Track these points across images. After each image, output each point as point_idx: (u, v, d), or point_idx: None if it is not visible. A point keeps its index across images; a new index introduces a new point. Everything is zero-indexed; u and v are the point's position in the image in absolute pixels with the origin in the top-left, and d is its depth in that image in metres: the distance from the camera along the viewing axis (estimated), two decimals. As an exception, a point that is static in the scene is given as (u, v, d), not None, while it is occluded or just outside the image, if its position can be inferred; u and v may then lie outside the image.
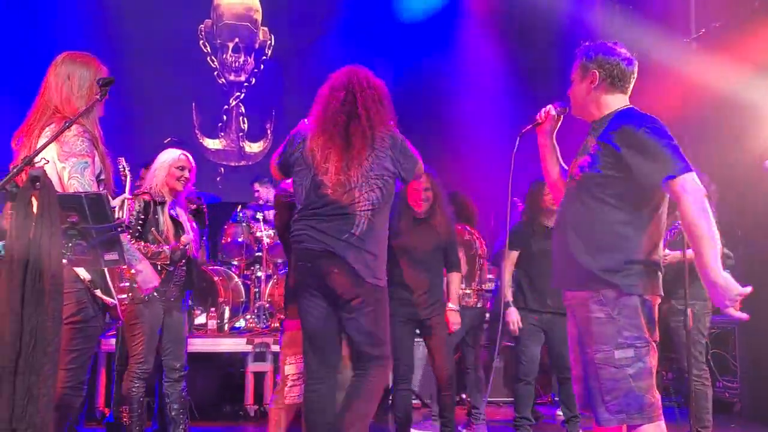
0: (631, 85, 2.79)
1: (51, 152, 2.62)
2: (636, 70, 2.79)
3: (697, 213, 2.41)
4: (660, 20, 8.00)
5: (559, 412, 5.08)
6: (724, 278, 2.37)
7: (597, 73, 2.73)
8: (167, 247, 4.00)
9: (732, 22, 7.12)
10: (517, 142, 2.97)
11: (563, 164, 2.99)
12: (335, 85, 3.20)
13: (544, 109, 2.96)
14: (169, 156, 4.18)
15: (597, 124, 2.76)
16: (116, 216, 2.47)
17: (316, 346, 3.23)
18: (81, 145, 2.65)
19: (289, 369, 3.67)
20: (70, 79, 2.77)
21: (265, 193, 7.78)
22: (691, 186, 2.44)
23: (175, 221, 4.15)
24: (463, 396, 5.90)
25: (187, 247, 4.09)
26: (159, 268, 3.91)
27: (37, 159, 2.32)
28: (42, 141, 2.64)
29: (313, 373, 3.23)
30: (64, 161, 2.62)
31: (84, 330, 2.69)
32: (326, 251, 3.10)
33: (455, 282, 4.49)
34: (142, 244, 3.91)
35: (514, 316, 4.66)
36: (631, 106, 2.76)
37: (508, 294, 4.70)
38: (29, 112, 2.79)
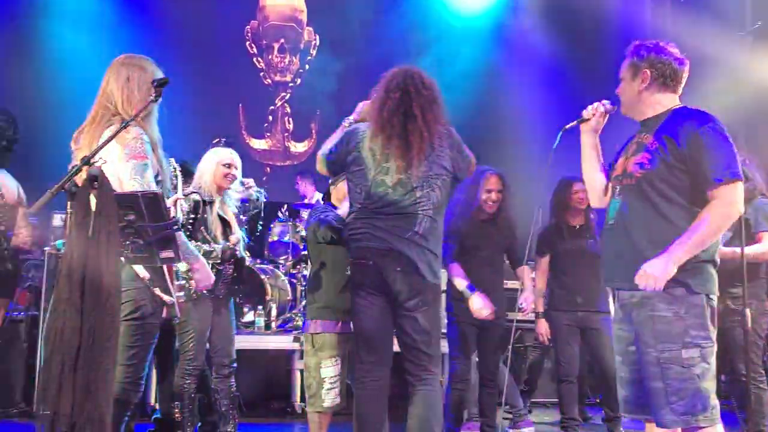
0: (682, 85, 2.80)
1: (113, 154, 2.66)
2: (687, 69, 2.79)
3: (715, 220, 2.52)
4: (714, 14, 7.81)
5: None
6: (670, 271, 2.48)
7: (648, 73, 2.74)
8: (218, 245, 4.06)
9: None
10: (558, 137, 2.95)
11: (603, 163, 2.98)
12: (390, 86, 3.21)
13: (592, 106, 2.93)
14: (216, 155, 4.24)
15: (650, 123, 2.75)
16: (171, 215, 2.50)
17: (372, 345, 3.23)
18: (141, 147, 2.69)
19: (327, 372, 3.65)
20: (130, 80, 2.81)
21: (304, 188, 7.84)
22: (729, 197, 2.53)
23: (223, 220, 4.21)
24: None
25: (236, 246, 4.15)
26: (210, 266, 3.97)
27: (95, 159, 2.37)
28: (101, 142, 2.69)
29: (369, 373, 3.23)
30: (125, 163, 2.66)
31: (142, 327, 2.74)
32: (390, 249, 3.12)
33: (527, 274, 4.56)
34: (193, 242, 3.97)
35: (543, 328, 4.71)
36: (683, 105, 2.76)
37: (540, 305, 4.73)
38: (88, 114, 2.84)
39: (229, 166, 4.21)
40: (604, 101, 2.92)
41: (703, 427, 2.51)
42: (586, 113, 2.92)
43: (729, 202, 2.53)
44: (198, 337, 4.02)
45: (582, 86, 7.84)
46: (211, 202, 4.13)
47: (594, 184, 2.96)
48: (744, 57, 7.19)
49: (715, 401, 2.55)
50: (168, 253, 2.39)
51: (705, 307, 2.58)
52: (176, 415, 3.98)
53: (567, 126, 2.94)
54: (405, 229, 3.12)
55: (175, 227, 2.38)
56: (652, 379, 2.57)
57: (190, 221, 4.02)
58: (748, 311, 3.67)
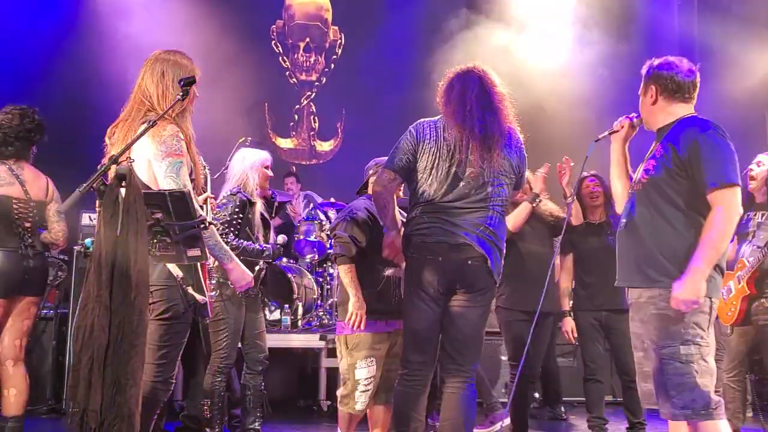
0: (694, 94, 2.94)
1: (148, 151, 2.67)
2: (697, 79, 2.94)
3: (719, 225, 2.64)
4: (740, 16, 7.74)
5: None
6: (698, 288, 2.60)
7: (654, 88, 2.92)
8: (269, 245, 4.14)
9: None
10: (591, 147, 3.11)
11: (631, 173, 3.10)
12: (467, 81, 3.24)
13: (621, 119, 3.09)
14: (260, 156, 4.29)
15: (661, 132, 2.92)
16: (200, 214, 2.51)
17: (422, 346, 3.21)
18: (176, 145, 2.67)
19: (361, 373, 3.65)
20: (165, 76, 2.79)
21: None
22: (727, 201, 2.65)
23: (265, 220, 4.27)
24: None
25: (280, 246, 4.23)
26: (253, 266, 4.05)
27: (123, 158, 2.39)
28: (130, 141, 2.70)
29: (415, 372, 3.21)
30: (161, 161, 2.65)
31: (174, 326, 2.74)
32: (462, 243, 3.11)
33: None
34: (243, 242, 4.02)
35: (569, 326, 4.73)
36: (694, 114, 2.91)
37: (566, 303, 4.76)
38: (123, 108, 2.83)
39: (269, 168, 4.30)
40: (632, 114, 3.07)
41: (704, 422, 2.63)
42: (615, 125, 3.08)
43: (727, 206, 2.65)
44: (232, 336, 4.07)
45: (614, 91, 7.76)
46: (254, 203, 4.18)
47: (618, 191, 3.08)
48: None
49: (716, 398, 2.67)
50: (195, 252, 2.40)
51: (706, 309, 2.70)
52: (205, 413, 4.02)
53: (600, 137, 3.11)
54: (477, 224, 3.14)
55: (203, 226, 2.39)
56: (656, 373, 2.71)
57: (238, 221, 4.05)
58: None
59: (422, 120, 3.30)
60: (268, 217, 4.36)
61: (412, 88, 8.42)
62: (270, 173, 4.33)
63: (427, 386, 3.26)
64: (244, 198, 4.10)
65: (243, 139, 6.14)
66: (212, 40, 8.57)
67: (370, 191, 3.72)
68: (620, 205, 3.08)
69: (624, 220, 2.92)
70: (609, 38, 8.28)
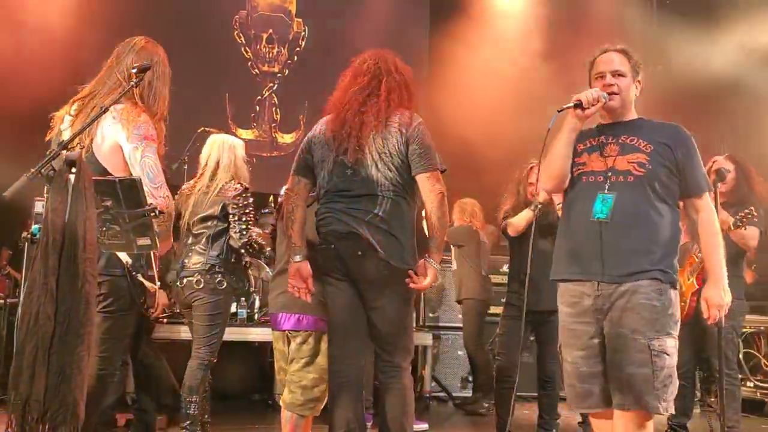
0: None
1: (118, 135, 2.65)
2: None
3: (716, 226, 2.84)
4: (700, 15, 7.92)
5: None
6: (728, 295, 2.79)
7: (640, 82, 2.94)
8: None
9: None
10: (553, 119, 2.82)
11: None
12: (360, 70, 3.18)
13: (592, 95, 2.81)
14: (241, 147, 4.22)
15: (630, 126, 2.88)
16: (151, 202, 2.47)
17: (342, 336, 3.11)
18: (152, 131, 2.68)
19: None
20: (154, 69, 2.80)
21: None
22: (710, 204, 2.86)
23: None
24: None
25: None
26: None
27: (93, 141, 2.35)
28: (104, 123, 2.67)
29: (339, 365, 3.10)
30: (138, 142, 2.63)
31: (120, 318, 2.71)
32: (351, 232, 3.01)
33: None
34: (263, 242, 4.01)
35: None
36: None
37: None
38: (87, 87, 2.81)
39: None
40: (604, 94, 2.84)
41: (671, 414, 2.73)
42: (585, 101, 2.80)
43: (711, 208, 2.86)
44: (223, 329, 4.01)
45: (560, 82, 7.84)
46: None
47: (564, 171, 2.87)
48: (726, 58, 7.29)
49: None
50: (145, 240, 2.37)
51: (677, 301, 2.76)
52: (194, 408, 3.89)
53: (563, 108, 2.83)
54: (366, 211, 3.01)
55: (153, 214, 2.36)
56: (639, 365, 2.63)
57: (253, 215, 4.03)
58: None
59: (324, 118, 3.26)
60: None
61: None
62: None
63: (358, 379, 3.10)
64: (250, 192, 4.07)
65: (202, 129, 6.08)
66: (173, 28, 8.47)
67: None
68: (559, 185, 2.90)
69: (606, 212, 2.74)
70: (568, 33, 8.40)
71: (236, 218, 3.94)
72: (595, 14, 8.67)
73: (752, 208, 4.29)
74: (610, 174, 2.78)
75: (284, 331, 3.47)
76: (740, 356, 6.24)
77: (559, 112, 2.82)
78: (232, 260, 3.99)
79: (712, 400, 5.91)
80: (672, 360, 2.68)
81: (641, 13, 9.11)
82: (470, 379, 6.47)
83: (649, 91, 8.68)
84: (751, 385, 6.21)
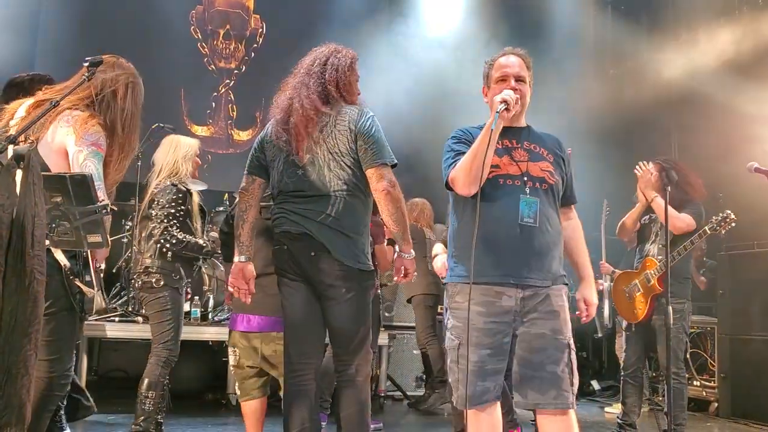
0: None
1: (67, 138, 2.63)
2: None
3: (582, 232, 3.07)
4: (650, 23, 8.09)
5: None
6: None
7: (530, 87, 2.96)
8: (206, 242, 4.12)
9: (719, 25, 7.24)
10: (495, 120, 2.67)
11: None
12: (310, 67, 3.15)
13: (512, 95, 2.76)
14: (191, 145, 4.24)
15: (526, 132, 2.92)
16: (102, 199, 2.42)
17: (297, 335, 3.07)
18: (101, 141, 2.67)
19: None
20: (135, 95, 2.90)
21: None
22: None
23: (202, 211, 4.23)
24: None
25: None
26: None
27: (21, 138, 2.29)
28: (57, 126, 2.64)
29: (294, 365, 3.05)
30: (83, 146, 2.61)
31: (63, 319, 2.65)
32: (303, 233, 2.98)
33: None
34: (188, 237, 4.00)
35: None
36: None
37: None
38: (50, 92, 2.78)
39: (198, 156, 4.27)
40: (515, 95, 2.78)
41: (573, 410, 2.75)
42: (511, 103, 2.73)
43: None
44: (177, 327, 4.02)
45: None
46: (191, 194, 4.15)
47: (484, 173, 2.73)
48: (676, 65, 7.47)
49: None
50: (96, 238, 2.32)
51: None
52: (148, 405, 3.87)
53: (499, 110, 2.69)
54: (317, 212, 2.98)
55: (104, 211, 2.31)
56: (557, 363, 2.71)
57: (181, 212, 4.01)
58: (670, 309, 3.84)
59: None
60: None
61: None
62: (199, 161, 4.30)
63: (313, 380, 3.07)
64: (185, 189, 4.07)
65: (156, 125, 5.98)
66: (127, 22, 8.33)
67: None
68: (475, 187, 2.72)
69: (530, 216, 2.75)
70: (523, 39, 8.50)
71: (155, 213, 4.00)
72: (550, 18, 8.79)
73: (729, 212, 4.43)
74: (526, 179, 2.79)
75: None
76: (687, 356, 6.41)
77: (498, 113, 2.68)
78: (168, 258, 4.00)
79: (660, 399, 6.06)
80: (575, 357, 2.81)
81: (596, 18, 9.29)
82: (424, 377, 6.51)
83: (603, 94, 8.93)
84: (698, 384, 6.37)
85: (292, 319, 3.07)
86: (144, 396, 3.86)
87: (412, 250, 3.12)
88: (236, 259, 3.12)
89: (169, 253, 3.99)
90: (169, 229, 3.95)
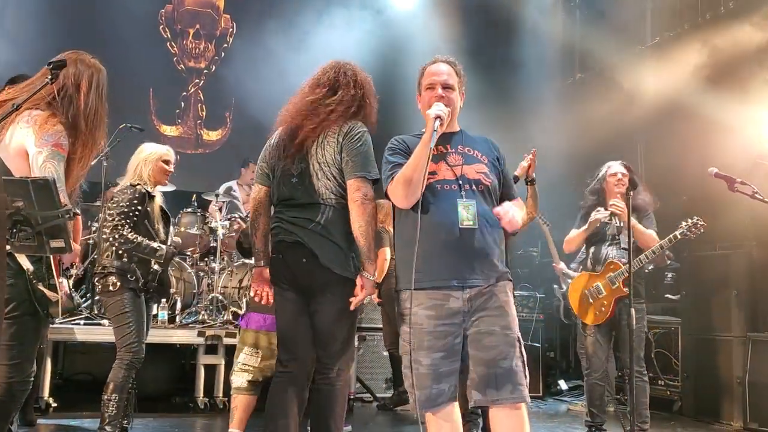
0: None
1: (27, 139, 2.59)
2: None
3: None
4: (617, 28, 8.19)
5: None
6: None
7: (463, 93, 3.00)
8: (164, 246, 4.07)
9: (684, 32, 7.36)
10: (434, 139, 2.72)
11: None
12: (320, 80, 3.23)
13: (443, 109, 2.81)
14: (158, 150, 4.23)
15: (459, 137, 2.98)
16: (65, 204, 2.39)
17: (286, 342, 3.18)
18: (62, 141, 2.63)
19: (243, 358, 3.92)
20: (97, 87, 2.82)
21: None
22: None
23: (165, 214, 4.23)
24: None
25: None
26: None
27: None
28: (16, 126, 2.61)
29: (284, 368, 3.17)
30: (43, 147, 2.57)
31: (25, 324, 2.62)
32: (296, 242, 3.09)
33: None
34: (139, 238, 3.96)
35: None
36: None
37: None
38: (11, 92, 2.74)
39: (169, 163, 4.23)
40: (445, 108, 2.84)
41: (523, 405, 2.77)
42: (444, 117, 2.79)
43: None
44: (139, 329, 3.98)
45: (488, 92, 8.01)
46: (153, 196, 4.13)
47: (422, 187, 2.78)
48: (642, 70, 7.59)
49: None
50: (58, 243, 2.29)
51: None
52: (112, 408, 3.84)
53: (435, 129, 2.74)
54: (308, 220, 3.09)
55: (67, 216, 2.28)
56: (510, 358, 2.74)
57: (136, 213, 3.98)
58: (632, 310, 3.91)
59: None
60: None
61: (303, 78, 8.37)
62: (168, 168, 4.24)
63: (296, 386, 3.15)
64: (144, 190, 4.04)
65: (124, 125, 5.93)
66: (96, 20, 8.23)
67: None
68: (415, 198, 2.77)
69: (471, 219, 2.78)
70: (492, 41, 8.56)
71: (110, 211, 3.99)
72: (518, 20, 8.87)
73: (698, 218, 4.53)
74: (462, 182, 2.83)
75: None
76: (652, 355, 6.52)
77: (435, 132, 2.72)
78: (125, 259, 3.97)
79: (625, 398, 6.15)
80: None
81: (564, 23, 9.38)
82: (392, 379, 6.53)
83: (569, 97, 9.00)
84: (662, 384, 6.48)
85: (284, 327, 3.19)
86: (108, 400, 3.83)
87: (375, 272, 3.14)
88: (256, 264, 3.28)
89: (125, 254, 3.97)
90: (119, 227, 3.90)
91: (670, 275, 6.98)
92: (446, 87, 2.92)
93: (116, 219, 3.91)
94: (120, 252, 3.95)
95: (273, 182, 3.24)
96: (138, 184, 4.04)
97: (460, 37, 8.54)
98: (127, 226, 3.92)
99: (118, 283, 3.92)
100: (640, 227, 4.56)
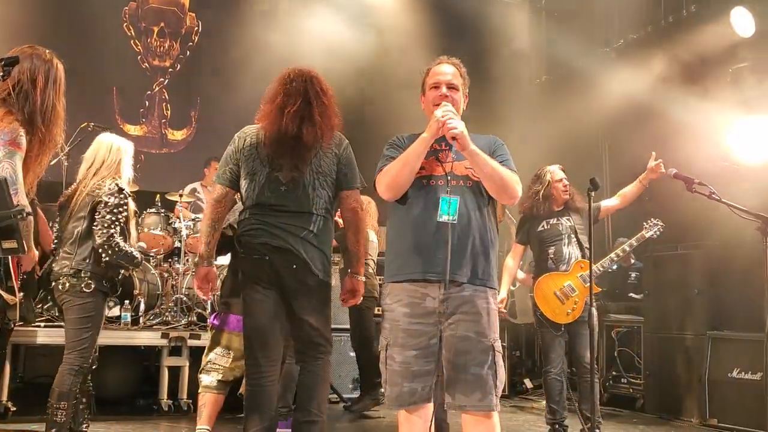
0: None
1: None
2: None
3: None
4: (583, 30, 8.27)
5: None
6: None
7: (467, 96, 3.05)
8: (139, 253, 4.02)
9: (648, 34, 7.47)
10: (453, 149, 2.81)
11: None
12: (290, 90, 3.31)
13: (451, 108, 2.85)
14: (129, 147, 4.10)
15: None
16: (17, 203, 2.34)
17: (263, 340, 3.25)
18: (19, 139, 2.59)
19: (213, 357, 3.90)
20: (48, 83, 2.79)
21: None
22: None
23: (136, 215, 4.15)
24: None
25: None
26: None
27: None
28: None
29: (259, 368, 3.23)
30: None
31: None
32: (285, 248, 3.20)
33: None
34: (128, 247, 3.88)
35: None
36: None
37: None
38: None
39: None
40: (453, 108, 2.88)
41: (496, 413, 2.78)
42: (458, 133, 2.78)
43: None
44: (95, 336, 3.85)
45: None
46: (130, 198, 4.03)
47: (412, 179, 2.87)
48: (607, 72, 7.68)
49: None
50: (11, 244, 2.24)
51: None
52: (61, 416, 3.68)
53: (454, 136, 2.76)
54: (300, 228, 3.23)
55: (20, 216, 2.23)
56: (484, 366, 2.74)
57: (123, 218, 3.88)
58: (594, 309, 3.98)
59: (247, 127, 3.42)
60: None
61: (269, 79, 8.32)
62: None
63: (274, 382, 3.28)
64: (127, 193, 3.92)
65: (86, 124, 5.84)
66: (58, 17, 8.08)
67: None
68: (401, 193, 2.88)
69: (452, 215, 2.77)
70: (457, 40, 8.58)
71: (102, 216, 3.79)
72: (484, 23, 8.91)
73: (658, 219, 4.68)
74: (449, 178, 2.83)
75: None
76: (615, 354, 6.62)
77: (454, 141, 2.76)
78: (102, 264, 3.83)
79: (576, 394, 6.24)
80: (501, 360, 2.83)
81: (530, 25, 9.46)
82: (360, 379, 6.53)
83: (533, 100, 9.06)
84: (625, 381, 6.58)
85: (261, 325, 3.27)
86: (55, 407, 3.66)
87: (364, 274, 3.43)
88: (205, 264, 3.37)
89: (106, 260, 3.83)
90: (114, 236, 3.78)
91: (633, 275, 7.09)
92: (451, 87, 2.96)
93: (111, 227, 3.78)
94: (104, 257, 3.80)
95: (249, 186, 3.29)
96: (121, 185, 3.91)
97: (423, 36, 8.57)
98: (118, 234, 3.81)
99: (93, 286, 3.78)
100: (605, 204, 4.81)
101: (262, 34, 8.42)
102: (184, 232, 6.34)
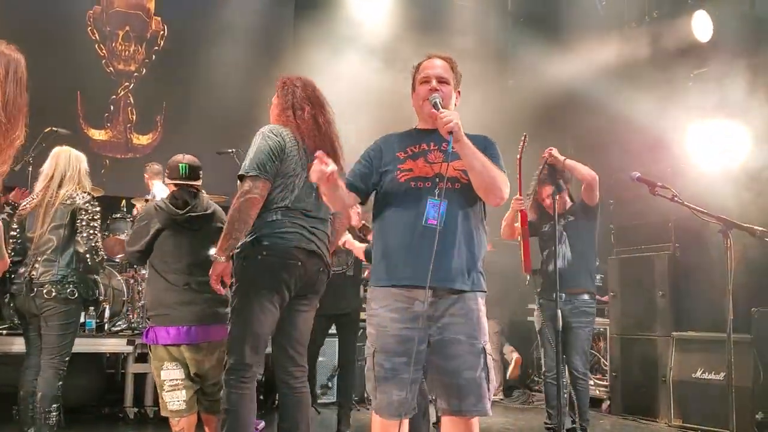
0: None
1: None
2: None
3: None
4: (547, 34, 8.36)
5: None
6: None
7: (459, 93, 2.95)
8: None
9: (610, 36, 7.60)
10: (450, 147, 2.65)
11: None
12: (298, 96, 3.41)
13: (444, 113, 2.70)
14: (83, 156, 4.20)
15: (437, 133, 2.84)
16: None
17: (261, 347, 3.24)
18: None
19: (166, 375, 3.73)
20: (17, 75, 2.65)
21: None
22: None
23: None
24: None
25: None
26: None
27: None
28: None
29: (249, 374, 3.21)
30: None
31: None
32: (315, 252, 3.30)
33: None
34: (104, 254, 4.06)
35: None
36: None
37: None
38: None
39: None
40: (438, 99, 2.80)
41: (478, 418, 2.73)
42: (455, 126, 2.63)
43: None
44: (74, 338, 4.01)
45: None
46: None
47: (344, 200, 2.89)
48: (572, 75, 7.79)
49: None
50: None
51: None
52: (53, 418, 3.79)
53: (451, 132, 2.62)
54: (324, 233, 3.39)
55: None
56: (475, 369, 2.65)
57: (98, 223, 4.03)
58: (559, 312, 4.04)
59: (274, 126, 3.35)
60: None
61: (235, 83, 8.29)
62: None
63: (255, 386, 3.29)
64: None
65: (49, 129, 5.75)
66: (20, 20, 7.95)
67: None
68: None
69: (436, 218, 2.68)
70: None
71: (84, 223, 3.96)
72: (453, 27, 8.96)
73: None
74: (438, 180, 2.72)
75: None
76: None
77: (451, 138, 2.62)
78: (81, 269, 3.99)
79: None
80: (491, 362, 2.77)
81: (497, 30, 9.54)
82: (330, 385, 6.50)
83: (501, 103, 9.11)
84: (592, 383, 6.65)
85: (263, 332, 3.22)
86: (48, 411, 3.81)
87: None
88: (224, 258, 3.24)
89: (83, 264, 3.97)
90: (97, 244, 3.98)
91: (599, 276, 7.17)
92: (441, 81, 2.84)
93: (95, 235, 3.96)
94: (88, 263, 3.96)
95: (287, 186, 3.27)
96: (92, 195, 4.08)
97: (392, 49, 8.59)
98: (99, 241, 3.98)
99: (76, 293, 3.93)
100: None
101: (228, 36, 8.37)
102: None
